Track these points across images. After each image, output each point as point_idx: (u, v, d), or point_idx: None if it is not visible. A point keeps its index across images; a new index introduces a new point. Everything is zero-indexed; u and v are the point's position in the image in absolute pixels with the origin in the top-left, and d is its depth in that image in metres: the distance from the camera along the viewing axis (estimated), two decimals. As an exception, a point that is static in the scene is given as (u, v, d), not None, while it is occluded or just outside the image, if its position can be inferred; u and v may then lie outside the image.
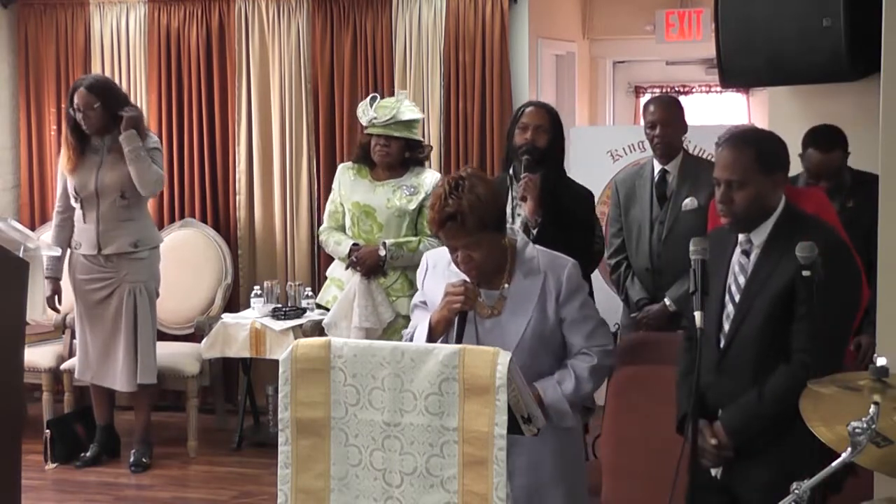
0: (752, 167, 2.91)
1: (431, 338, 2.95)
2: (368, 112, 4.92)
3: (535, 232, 3.98)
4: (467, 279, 2.95)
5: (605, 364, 3.06)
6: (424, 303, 3.12)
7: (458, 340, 2.87)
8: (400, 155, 4.94)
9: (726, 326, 2.99)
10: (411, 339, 3.04)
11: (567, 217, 4.18)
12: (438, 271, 3.10)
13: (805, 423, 2.79)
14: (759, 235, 2.97)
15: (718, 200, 2.98)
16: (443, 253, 3.11)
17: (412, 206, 4.89)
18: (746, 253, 3.01)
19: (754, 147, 2.95)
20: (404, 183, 4.95)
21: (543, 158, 4.23)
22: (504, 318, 3.00)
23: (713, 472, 2.99)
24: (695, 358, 3.08)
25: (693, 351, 3.12)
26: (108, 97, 5.39)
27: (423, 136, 6.17)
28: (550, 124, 4.32)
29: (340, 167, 5.16)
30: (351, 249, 4.92)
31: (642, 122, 4.72)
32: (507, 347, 2.84)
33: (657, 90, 10.02)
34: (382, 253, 4.86)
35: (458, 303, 2.90)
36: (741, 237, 3.01)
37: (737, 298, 2.99)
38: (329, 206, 5.15)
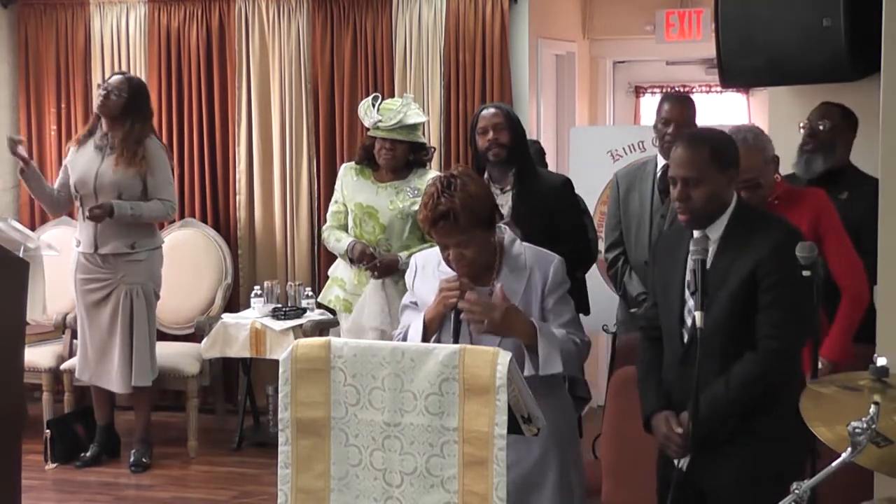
0: (707, 165, 2.97)
1: (426, 335, 2.98)
2: (372, 114, 4.90)
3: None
4: (462, 277, 2.97)
5: (583, 351, 3.09)
6: (415, 303, 3.14)
7: (456, 335, 2.89)
8: (404, 158, 4.94)
9: (688, 321, 3.02)
10: (404, 339, 3.05)
11: (544, 207, 4.22)
12: (428, 272, 3.13)
13: (771, 414, 2.84)
14: (715, 231, 3.02)
15: (675, 198, 3.03)
16: (431, 254, 3.14)
17: (415, 207, 4.88)
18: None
19: (708, 145, 3.01)
20: (408, 185, 4.95)
21: (510, 155, 4.28)
22: None
23: (678, 464, 3.01)
24: (655, 358, 3.12)
25: (652, 350, 3.17)
26: (137, 96, 5.48)
27: (423, 136, 6.18)
28: (507, 121, 4.36)
29: (343, 167, 5.15)
30: (351, 244, 4.91)
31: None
32: (495, 341, 2.89)
33: (657, 90, 10.01)
34: (400, 264, 4.85)
35: (454, 297, 2.92)
36: (696, 233, 3.03)
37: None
38: (332, 206, 5.14)
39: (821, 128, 4.25)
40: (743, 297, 2.93)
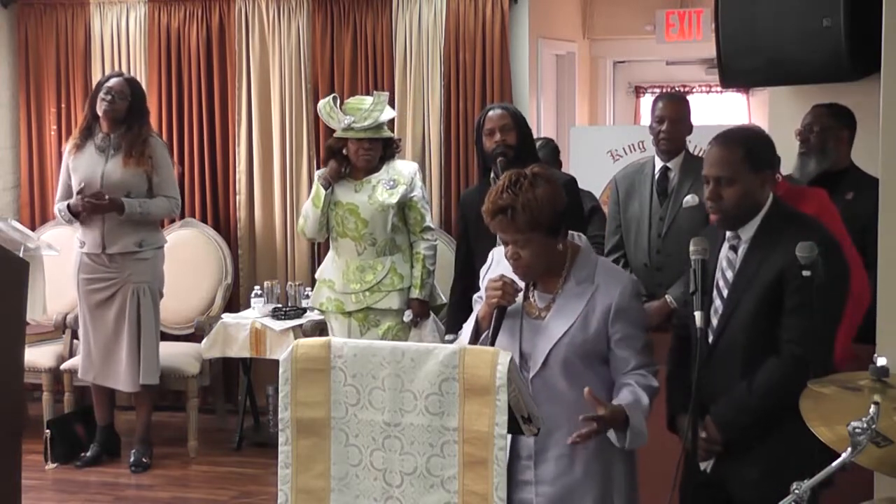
0: (740, 164, 2.95)
1: (477, 333, 2.92)
2: (341, 117, 4.91)
3: None
4: (505, 275, 2.91)
5: (657, 386, 2.96)
6: (482, 298, 3.07)
7: (494, 335, 2.85)
8: (379, 154, 5.02)
9: (714, 321, 3.01)
10: (457, 335, 3.04)
11: None
12: (500, 268, 3.03)
13: (795, 418, 2.81)
14: (747, 231, 3.00)
15: (707, 197, 3.02)
16: None
17: (394, 199, 4.94)
18: (734, 248, 3.04)
19: (742, 145, 2.99)
20: (382, 177, 5.01)
21: (517, 155, 4.27)
22: (547, 321, 2.92)
23: (702, 466, 3.00)
24: (685, 357, 3.10)
25: (682, 349, 3.14)
26: (138, 97, 5.54)
27: (424, 136, 6.20)
28: (514, 121, 4.38)
29: (318, 173, 5.17)
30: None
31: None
32: (545, 350, 2.85)
33: (657, 90, 10.02)
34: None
35: (496, 297, 2.87)
36: (729, 233, 3.02)
37: (725, 293, 3.01)
38: None
39: (810, 132, 4.29)
40: (770, 299, 2.89)
